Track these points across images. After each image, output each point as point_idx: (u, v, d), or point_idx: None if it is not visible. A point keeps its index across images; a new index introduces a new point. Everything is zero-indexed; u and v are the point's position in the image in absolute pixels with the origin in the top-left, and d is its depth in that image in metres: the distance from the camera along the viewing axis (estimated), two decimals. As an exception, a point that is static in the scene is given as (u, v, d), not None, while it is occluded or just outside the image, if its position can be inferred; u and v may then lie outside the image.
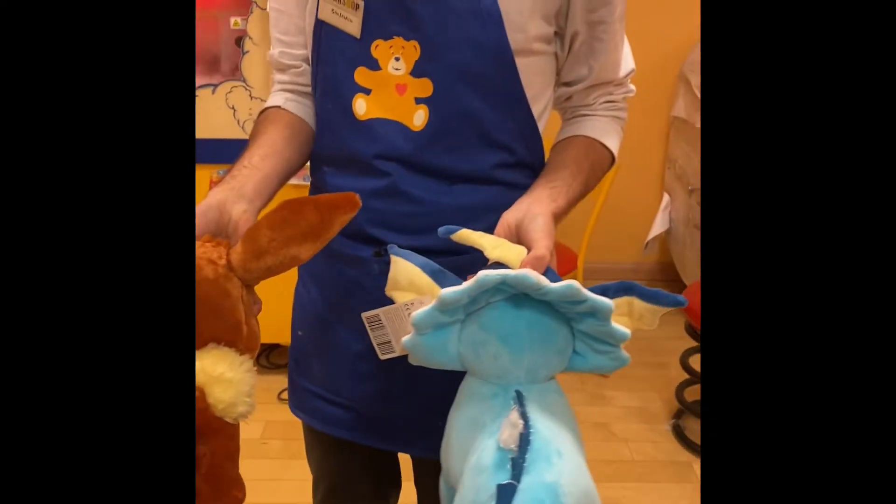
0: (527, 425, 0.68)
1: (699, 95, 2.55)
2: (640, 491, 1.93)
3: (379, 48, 0.87)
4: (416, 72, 0.87)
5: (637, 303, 0.75)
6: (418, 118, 0.88)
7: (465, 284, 0.69)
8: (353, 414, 0.99)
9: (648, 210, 2.92)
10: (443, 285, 0.75)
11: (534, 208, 0.80)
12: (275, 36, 0.98)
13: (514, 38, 0.85)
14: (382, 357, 0.88)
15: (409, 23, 0.85)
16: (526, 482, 0.64)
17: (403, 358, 0.79)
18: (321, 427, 1.04)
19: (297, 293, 1.05)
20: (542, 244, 0.76)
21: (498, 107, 0.88)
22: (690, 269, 2.72)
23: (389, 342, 0.86)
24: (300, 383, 1.05)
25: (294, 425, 1.09)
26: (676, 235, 2.81)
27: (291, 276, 0.91)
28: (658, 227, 2.84)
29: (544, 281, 0.68)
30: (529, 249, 0.76)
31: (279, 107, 0.97)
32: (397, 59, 0.87)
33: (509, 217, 0.81)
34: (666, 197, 2.86)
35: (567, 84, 0.96)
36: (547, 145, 0.96)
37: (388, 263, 0.81)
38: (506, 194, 0.88)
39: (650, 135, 2.91)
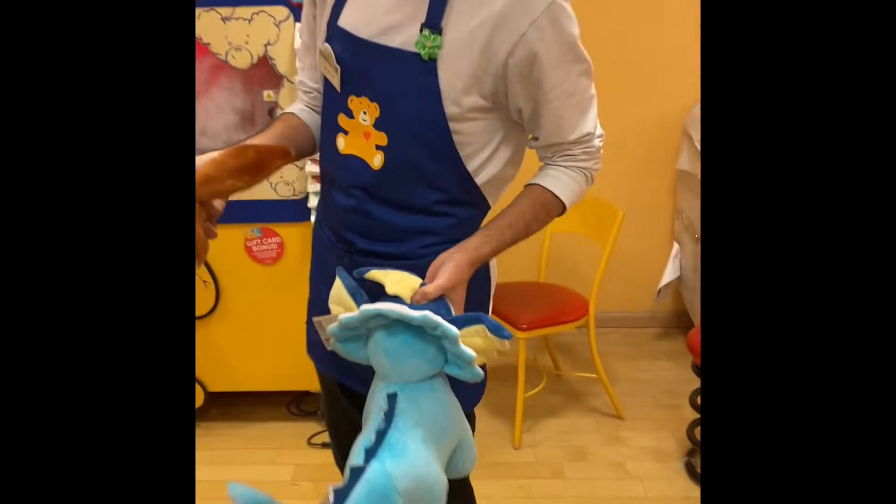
0: (388, 423, 0.94)
1: (699, 149, 2.70)
2: (652, 525, 2.01)
3: (353, 102, 1.11)
4: (377, 125, 1.11)
5: (485, 330, 0.96)
6: (377, 160, 1.12)
7: (355, 313, 0.96)
8: (336, 358, 1.15)
9: (659, 259, 3.02)
10: (358, 304, 1.01)
11: (454, 254, 1.07)
12: (298, 65, 1.30)
13: (450, 111, 1.07)
14: (329, 348, 1.10)
15: (372, 90, 1.09)
16: (372, 466, 0.90)
17: None
18: (318, 367, 1.35)
19: (310, 272, 1.34)
20: (436, 283, 1.02)
21: (436, 160, 1.11)
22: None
23: (329, 339, 1.09)
24: (311, 335, 1.32)
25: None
26: (687, 282, 2.92)
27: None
28: (669, 274, 2.94)
29: (407, 312, 0.93)
30: None
31: (293, 112, 1.26)
32: (364, 113, 1.11)
33: (437, 259, 1.07)
34: (676, 246, 2.98)
35: (533, 139, 1.17)
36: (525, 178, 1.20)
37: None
38: (441, 220, 1.15)
39: (659, 186, 3.03)
